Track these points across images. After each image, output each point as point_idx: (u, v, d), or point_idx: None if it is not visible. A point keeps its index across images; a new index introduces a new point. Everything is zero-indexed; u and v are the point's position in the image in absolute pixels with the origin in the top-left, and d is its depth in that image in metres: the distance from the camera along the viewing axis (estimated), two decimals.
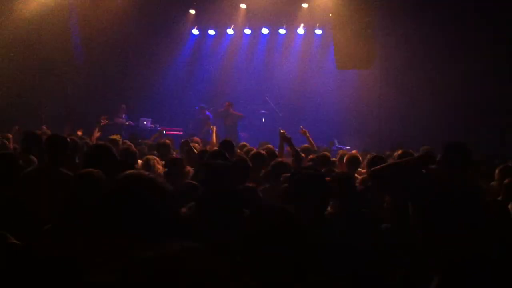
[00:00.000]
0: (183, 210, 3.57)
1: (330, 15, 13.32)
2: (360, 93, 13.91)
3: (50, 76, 13.20)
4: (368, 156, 5.80)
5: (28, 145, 5.63)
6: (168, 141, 7.89)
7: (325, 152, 7.38)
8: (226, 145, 6.05)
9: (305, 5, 14.25)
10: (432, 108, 12.43)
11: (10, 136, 8.56)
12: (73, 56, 13.53)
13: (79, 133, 9.85)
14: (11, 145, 8.15)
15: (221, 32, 15.65)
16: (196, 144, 8.33)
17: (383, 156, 5.82)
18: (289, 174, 4.31)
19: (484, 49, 11.80)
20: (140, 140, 9.83)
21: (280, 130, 7.13)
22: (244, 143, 8.84)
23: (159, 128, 12.89)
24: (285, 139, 6.79)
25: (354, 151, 8.79)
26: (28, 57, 12.79)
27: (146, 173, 2.14)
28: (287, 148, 6.95)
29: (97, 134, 9.07)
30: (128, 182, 1.98)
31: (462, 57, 12.12)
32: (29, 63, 12.84)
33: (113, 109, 13.77)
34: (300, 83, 14.92)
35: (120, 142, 7.72)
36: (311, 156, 6.80)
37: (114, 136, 8.29)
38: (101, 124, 10.32)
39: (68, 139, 5.01)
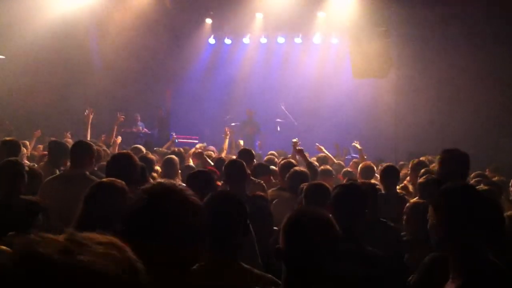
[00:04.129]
0: None
1: (346, 24, 13.37)
2: (376, 102, 13.92)
3: (72, 83, 13.49)
4: (381, 166, 5.86)
5: (54, 155, 5.74)
6: (181, 150, 8.06)
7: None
8: (245, 154, 6.11)
9: (321, 14, 14.31)
10: (448, 116, 12.42)
11: (27, 143, 8.72)
12: (92, 62, 13.83)
13: (103, 138, 9.95)
14: (29, 152, 8.32)
15: (237, 41, 15.78)
16: (211, 153, 8.44)
17: (397, 165, 5.88)
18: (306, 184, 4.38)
19: (500, 56, 11.79)
20: (155, 148, 10.02)
21: (293, 141, 7.22)
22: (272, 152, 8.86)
23: (174, 136, 13.05)
24: (296, 151, 6.87)
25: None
26: (52, 63, 13.10)
27: (178, 184, 2.03)
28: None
29: (118, 140, 9.01)
30: (162, 194, 1.84)
31: (479, 65, 12.11)
32: (53, 70, 13.16)
33: (130, 118, 13.95)
34: (315, 92, 14.95)
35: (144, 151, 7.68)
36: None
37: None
38: (120, 120, 10.26)
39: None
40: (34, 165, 6.19)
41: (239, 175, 4.48)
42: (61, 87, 13.55)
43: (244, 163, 4.73)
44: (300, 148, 6.84)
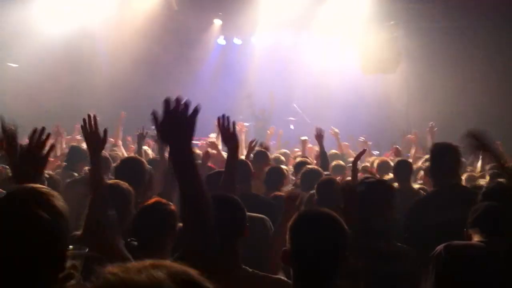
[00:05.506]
0: None
1: (354, 19, 13.36)
2: (387, 97, 13.89)
3: (81, 89, 13.64)
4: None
5: (71, 160, 5.82)
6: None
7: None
8: (260, 155, 6.19)
9: (328, 10, 14.27)
10: (460, 111, 12.36)
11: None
12: (101, 68, 13.97)
13: (129, 138, 9.90)
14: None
15: (246, 41, 15.83)
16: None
17: (409, 160, 5.90)
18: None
19: (511, 49, 11.75)
20: None
21: (302, 138, 7.30)
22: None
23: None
24: (318, 137, 6.92)
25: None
26: (62, 70, 13.27)
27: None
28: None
29: (132, 147, 8.91)
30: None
31: (491, 60, 12.06)
32: (63, 77, 13.33)
33: (141, 121, 14.00)
34: (324, 88, 14.93)
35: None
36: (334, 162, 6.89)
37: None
38: (122, 117, 9.91)
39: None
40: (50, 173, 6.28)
41: (244, 175, 4.53)
42: (71, 93, 13.67)
43: (249, 163, 4.86)
44: (322, 134, 6.92)
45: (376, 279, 2.78)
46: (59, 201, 1.71)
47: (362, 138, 9.41)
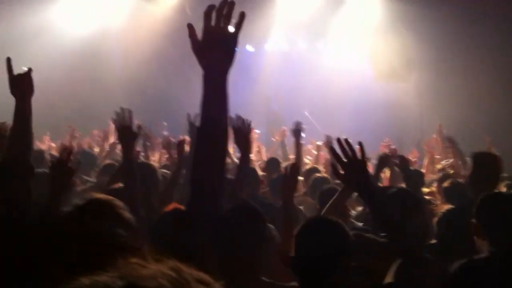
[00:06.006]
0: None
1: (366, 26, 13.32)
2: (399, 105, 13.80)
3: (95, 92, 13.75)
4: None
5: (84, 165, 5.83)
6: None
7: None
8: (271, 163, 6.23)
9: (340, 17, 14.25)
10: (474, 120, 12.25)
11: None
12: (115, 73, 14.08)
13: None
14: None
15: (259, 48, 15.85)
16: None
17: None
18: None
19: None
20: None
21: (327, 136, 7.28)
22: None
23: None
24: (328, 145, 6.92)
25: None
26: (76, 73, 13.42)
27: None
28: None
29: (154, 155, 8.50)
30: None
31: (505, 67, 11.94)
32: (77, 79, 13.47)
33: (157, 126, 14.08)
34: (337, 96, 14.88)
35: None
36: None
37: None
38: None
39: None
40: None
41: (253, 181, 4.62)
42: (85, 96, 13.79)
43: (256, 170, 4.99)
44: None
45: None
46: (128, 213, 1.77)
47: (386, 140, 9.32)
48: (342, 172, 2.62)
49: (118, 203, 1.79)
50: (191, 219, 3.03)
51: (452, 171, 6.33)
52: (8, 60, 2.93)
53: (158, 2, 14.08)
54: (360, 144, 2.75)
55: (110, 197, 1.87)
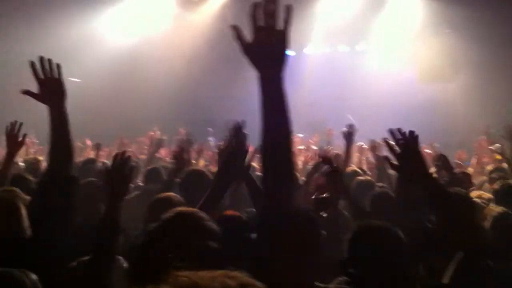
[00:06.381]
0: None
1: (409, 27, 13.14)
2: (444, 107, 13.53)
3: (139, 104, 14.02)
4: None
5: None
6: None
7: None
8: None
9: (382, 19, 14.10)
10: None
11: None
12: (158, 84, 14.34)
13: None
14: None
15: (298, 52, 15.84)
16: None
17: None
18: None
19: None
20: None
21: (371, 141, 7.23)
22: None
23: None
24: (373, 149, 7.17)
25: None
26: (121, 86, 13.71)
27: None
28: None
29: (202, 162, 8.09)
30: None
31: None
32: (121, 93, 13.76)
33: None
34: (380, 99, 14.71)
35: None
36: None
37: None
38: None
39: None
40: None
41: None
42: (129, 108, 14.06)
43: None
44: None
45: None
46: (213, 224, 1.86)
47: (436, 144, 9.21)
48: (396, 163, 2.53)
49: (203, 215, 1.85)
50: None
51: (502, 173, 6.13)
52: (58, 66, 2.76)
53: (199, 11, 14.27)
54: (411, 132, 2.61)
55: (194, 209, 1.95)
